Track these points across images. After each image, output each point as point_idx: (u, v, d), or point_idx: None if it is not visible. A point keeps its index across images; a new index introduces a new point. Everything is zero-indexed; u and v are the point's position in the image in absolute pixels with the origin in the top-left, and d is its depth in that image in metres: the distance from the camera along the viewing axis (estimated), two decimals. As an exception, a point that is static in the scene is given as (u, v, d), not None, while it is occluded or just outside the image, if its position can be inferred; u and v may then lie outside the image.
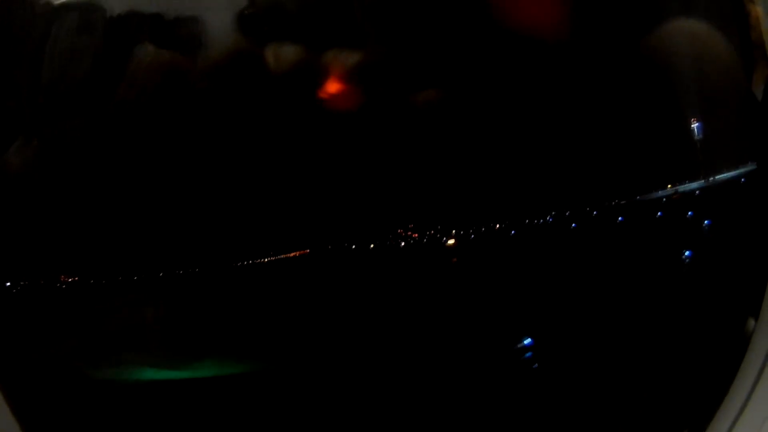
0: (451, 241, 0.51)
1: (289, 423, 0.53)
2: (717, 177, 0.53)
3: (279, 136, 0.50)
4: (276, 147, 0.50)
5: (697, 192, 0.53)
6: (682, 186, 0.53)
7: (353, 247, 0.50)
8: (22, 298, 0.52)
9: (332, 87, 0.49)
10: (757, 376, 0.51)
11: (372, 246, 0.50)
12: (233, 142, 0.50)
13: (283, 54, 0.49)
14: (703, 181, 0.53)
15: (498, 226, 0.51)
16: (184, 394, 0.52)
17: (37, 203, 0.52)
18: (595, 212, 0.52)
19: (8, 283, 0.52)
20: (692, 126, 0.53)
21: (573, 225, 0.52)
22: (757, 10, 0.51)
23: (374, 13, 0.49)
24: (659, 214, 0.53)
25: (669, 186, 0.53)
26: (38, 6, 0.51)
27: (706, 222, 0.55)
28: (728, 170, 0.54)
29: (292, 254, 0.51)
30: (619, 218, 0.53)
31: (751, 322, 0.52)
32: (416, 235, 0.51)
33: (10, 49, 0.51)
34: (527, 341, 0.53)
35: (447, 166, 0.51)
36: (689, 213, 0.54)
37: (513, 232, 0.51)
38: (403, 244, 0.51)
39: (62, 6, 0.51)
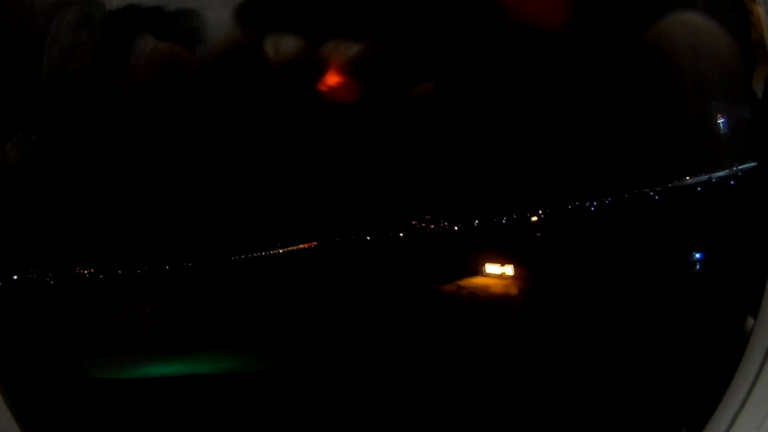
0: (534, 218, 0.50)
1: (298, 422, 0.53)
2: (716, 175, 0.53)
3: (279, 129, 0.50)
4: (277, 139, 0.50)
5: (696, 190, 0.53)
6: (682, 183, 0.53)
7: (366, 239, 0.50)
8: (19, 293, 0.52)
9: (332, 78, 0.49)
10: (756, 375, 0.51)
11: (383, 237, 0.50)
12: (234, 134, 0.50)
13: (282, 46, 0.49)
14: (702, 178, 0.53)
15: (497, 220, 0.51)
16: (186, 392, 0.52)
17: (35, 198, 0.52)
18: (590, 210, 0.52)
19: (15, 277, 0.52)
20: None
21: (567, 222, 0.52)
22: (758, 9, 0.51)
23: (373, 5, 0.49)
24: (657, 211, 0.53)
25: (668, 183, 0.53)
26: (37, 1, 0.51)
27: (705, 222, 0.55)
28: (728, 168, 0.53)
29: (299, 247, 0.51)
30: (616, 216, 0.53)
31: (750, 321, 0.52)
32: (432, 227, 0.51)
33: (9, 44, 0.51)
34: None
35: (452, 158, 0.51)
36: (688, 211, 0.54)
37: (500, 227, 0.51)
38: (417, 235, 0.51)
39: (61, 1, 0.51)
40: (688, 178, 0.53)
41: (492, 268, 0.52)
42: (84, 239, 0.52)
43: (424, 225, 0.51)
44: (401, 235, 0.51)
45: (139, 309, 0.53)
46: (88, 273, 0.51)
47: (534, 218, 0.51)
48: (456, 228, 0.51)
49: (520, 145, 0.51)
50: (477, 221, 0.51)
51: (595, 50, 0.51)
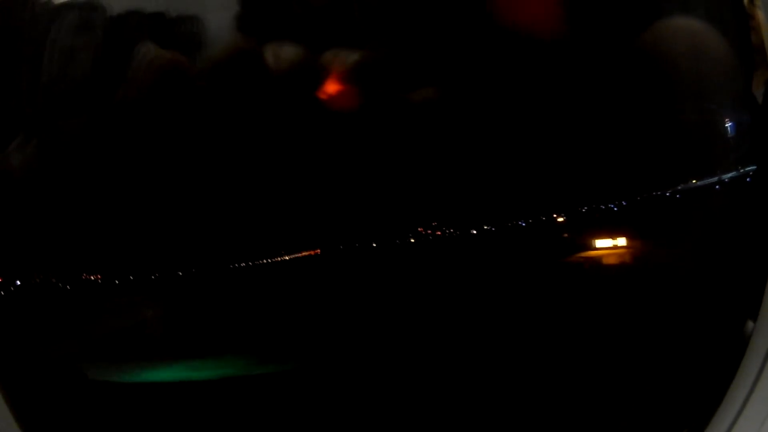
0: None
1: (305, 427, 0.53)
2: (717, 177, 0.53)
3: (278, 136, 0.50)
4: (276, 146, 0.50)
5: (696, 191, 0.53)
6: (682, 186, 0.53)
7: (372, 246, 0.50)
8: (21, 297, 0.52)
9: (331, 86, 0.49)
10: (756, 376, 0.51)
11: (387, 245, 0.51)
12: (236, 141, 0.50)
13: (282, 53, 0.49)
14: (704, 182, 0.53)
15: (497, 226, 0.52)
16: (185, 396, 0.53)
17: (35, 202, 0.52)
18: (591, 213, 0.52)
19: (18, 282, 0.52)
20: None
21: (569, 225, 0.52)
22: (758, 14, 0.51)
23: (373, 13, 0.49)
24: (657, 214, 0.53)
25: (669, 185, 0.53)
26: (38, 5, 0.51)
27: (705, 222, 0.55)
28: (728, 171, 0.53)
29: (302, 254, 0.51)
30: (617, 219, 0.53)
31: (750, 324, 0.52)
32: (439, 233, 0.51)
33: (10, 48, 0.51)
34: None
35: (450, 165, 0.51)
36: (689, 213, 0.54)
37: (501, 232, 0.51)
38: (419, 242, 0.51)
39: (62, 5, 0.51)
40: (688, 180, 0.53)
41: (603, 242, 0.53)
42: (84, 244, 0.52)
43: (430, 231, 0.51)
44: (412, 241, 0.51)
45: (140, 314, 0.53)
46: (90, 278, 0.51)
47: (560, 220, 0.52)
48: (464, 234, 0.51)
49: (519, 149, 0.51)
50: (482, 227, 0.51)
51: (595, 54, 0.51)
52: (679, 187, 0.53)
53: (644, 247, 0.54)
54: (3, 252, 0.53)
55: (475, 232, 0.51)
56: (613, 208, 0.52)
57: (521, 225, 0.51)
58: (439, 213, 0.51)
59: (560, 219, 0.52)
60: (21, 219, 0.52)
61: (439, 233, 0.51)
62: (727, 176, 0.53)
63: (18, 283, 0.52)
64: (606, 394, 0.54)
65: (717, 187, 0.53)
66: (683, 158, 0.53)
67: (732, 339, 0.52)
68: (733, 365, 0.52)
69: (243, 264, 0.51)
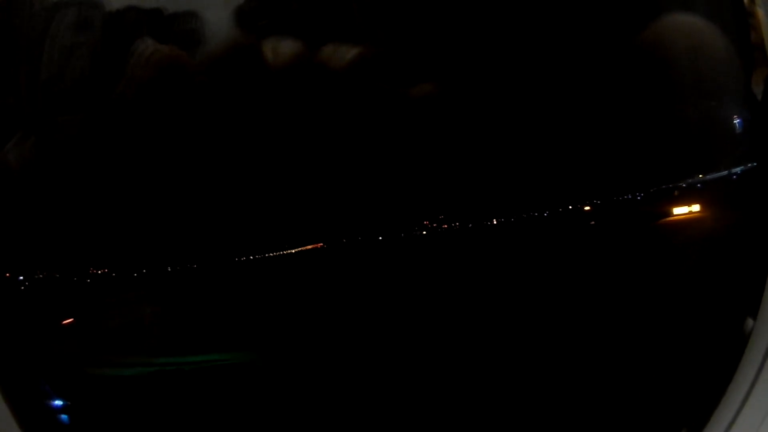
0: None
1: (308, 421, 0.53)
2: (716, 175, 0.53)
3: (277, 131, 0.50)
4: (277, 141, 0.50)
5: (695, 190, 0.53)
6: (682, 184, 0.53)
7: (376, 239, 0.50)
8: (19, 294, 0.52)
9: (332, 81, 0.49)
10: (756, 374, 0.51)
11: (392, 239, 0.51)
12: (234, 136, 0.50)
13: (281, 48, 0.49)
14: (703, 178, 0.53)
15: (493, 222, 0.52)
16: (187, 393, 0.53)
17: (34, 199, 0.52)
18: (589, 212, 0.52)
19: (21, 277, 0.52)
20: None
21: (567, 223, 0.52)
22: (758, 12, 0.52)
23: (372, 7, 0.49)
24: (656, 211, 0.53)
25: (668, 184, 0.53)
26: (37, 2, 0.51)
27: (705, 219, 0.55)
28: (727, 168, 0.54)
29: (305, 248, 0.51)
30: (618, 217, 0.53)
31: (750, 321, 0.52)
32: (446, 226, 0.51)
33: (9, 45, 0.51)
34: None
35: (452, 160, 0.51)
36: (687, 210, 0.54)
37: (498, 229, 0.51)
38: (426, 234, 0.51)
39: (61, 2, 0.51)
40: (687, 178, 0.53)
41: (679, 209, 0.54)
42: (84, 240, 0.52)
43: (436, 225, 0.51)
44: (420, 234, 0.51)
45: (143, 309, 0.53)
46: (92, 274, 0.51)
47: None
48: (469, 227, 0.51)
49: (519, 144, 0.52)
50: (485, 222, 0.51)
51: (597, 51, 0.51)
52: (677, 185, 0.53)
53: (645, 245, 0.54)
54: (6, 249, 0.53)
55: (479, 226, 0.51)
56: (610, 205, 0.52)
57: (519, 221, 0.52)
58: (445, 206, 0.51)
59: (558, 215, 0.52)
60: (21, 216, 0.52)
61: (445, 226, 0.51)
62: (726, 173, 0.53)
63: (21, 279, 0.52)
64: (604, 393, 0.54)
65: (716, 184, 0.53)
66: (681, 156, 0.53)
67: (731, 337, 0.52)
68: (732, 363, 0.52)
69: (246, 258, 0.51)
